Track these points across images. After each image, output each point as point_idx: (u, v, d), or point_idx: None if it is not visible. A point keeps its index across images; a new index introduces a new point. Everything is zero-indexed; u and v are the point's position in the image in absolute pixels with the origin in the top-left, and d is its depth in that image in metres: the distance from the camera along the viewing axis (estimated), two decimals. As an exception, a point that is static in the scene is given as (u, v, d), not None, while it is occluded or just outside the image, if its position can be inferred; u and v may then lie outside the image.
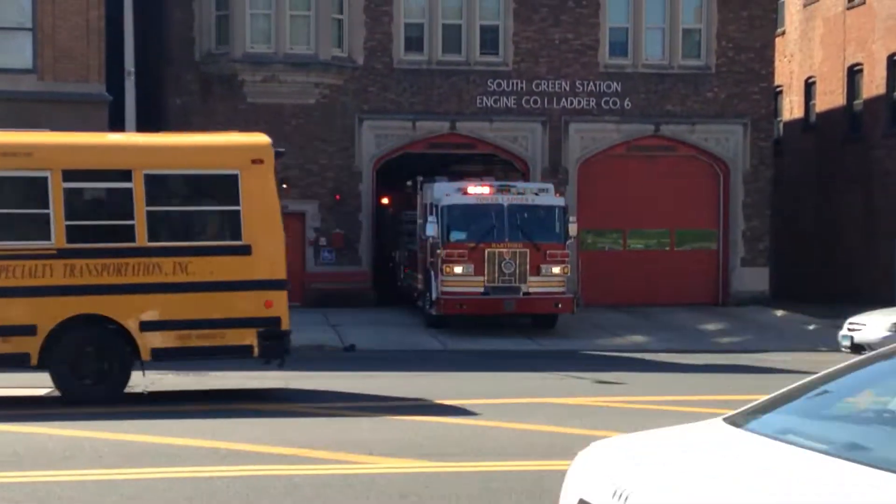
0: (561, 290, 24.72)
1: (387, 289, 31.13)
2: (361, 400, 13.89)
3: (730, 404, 13.58)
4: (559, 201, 25.74)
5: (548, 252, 24.73)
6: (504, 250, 24.59)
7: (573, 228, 25.22)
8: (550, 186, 26.70)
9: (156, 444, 10.40)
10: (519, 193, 25.26)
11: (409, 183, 31.39)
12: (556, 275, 24.78)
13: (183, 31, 30.07)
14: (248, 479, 8.88)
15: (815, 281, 36.09)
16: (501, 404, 13.71)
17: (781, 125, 38.85)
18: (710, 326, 27.86)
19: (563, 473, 9.13)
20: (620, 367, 19.55)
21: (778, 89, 37.50)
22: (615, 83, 31.56)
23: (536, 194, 25.50)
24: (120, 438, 10.72)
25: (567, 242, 25.31)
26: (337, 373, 17.71)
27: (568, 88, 31.34)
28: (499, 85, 31.14)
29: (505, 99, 31.14)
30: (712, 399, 14.34)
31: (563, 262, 24.98)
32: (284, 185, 30.48)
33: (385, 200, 32.92)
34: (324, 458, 9.77)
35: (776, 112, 37.24)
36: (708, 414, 12.64)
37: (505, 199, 25.05)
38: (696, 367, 19.71)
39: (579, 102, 31.40)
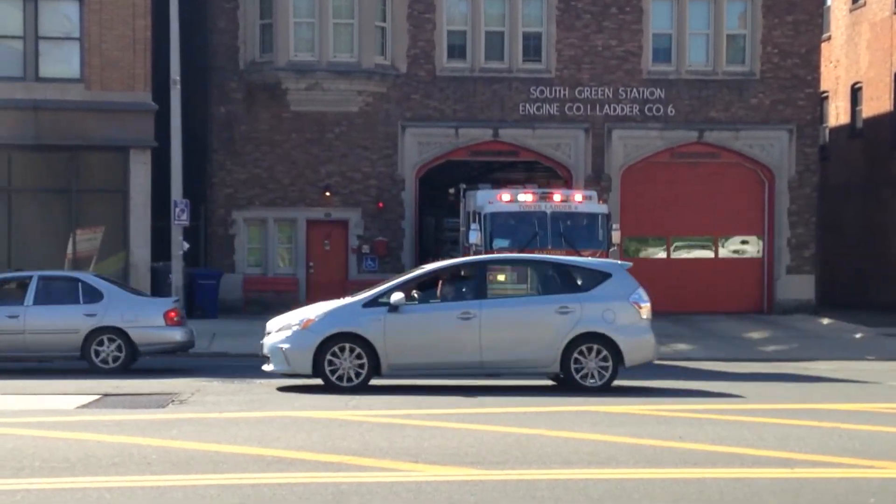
0: None
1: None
2: (405, 407, 13.93)
3: (770, 413, 13.54)
4: (602, 208, 25.60)
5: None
6: None
7: (616, 236, 25.04)
8: (594, 193, 26.57)
9: (202, 451, 10.50)
10: (562, 201, 25.15)
11: (451, 191, 31.43)
12: None
13: (227, 40, 30.34)
14: (295, 486, 8.94)
15: (861, 289, 35.73)
16: (544, 412, 13.70)
17: (827, 131, 38.52)
18: (755, 335, 27.67)
19: (606, 482, 9.19)
20: (664, 375, 19.45)
21: (824, 95, 37.19)
22: (658, 90, 31.47)
23: (580, 201, 25.39)
24: (167, 445, 10.83)
25: (610, 250, 25.14)
26: (377, 380, 17.76)
27: (611, 95, 31.29)
28: (541, 92, 31.14)
29: (548, 106, 31.13)
30: (753, 408, 14.26)
31: None
32: (327, 193, 30.75)
33: (430, 208, 32.94)
34: (370, 466, 9.82)
35: (822, 118, 36.93)
36: (749, 423, 12.59)
37: (548, 207, 24.94)
38: (741, 375, 19.57)
39: (622, 109, 31.33)
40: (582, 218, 25.17)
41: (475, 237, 24.61)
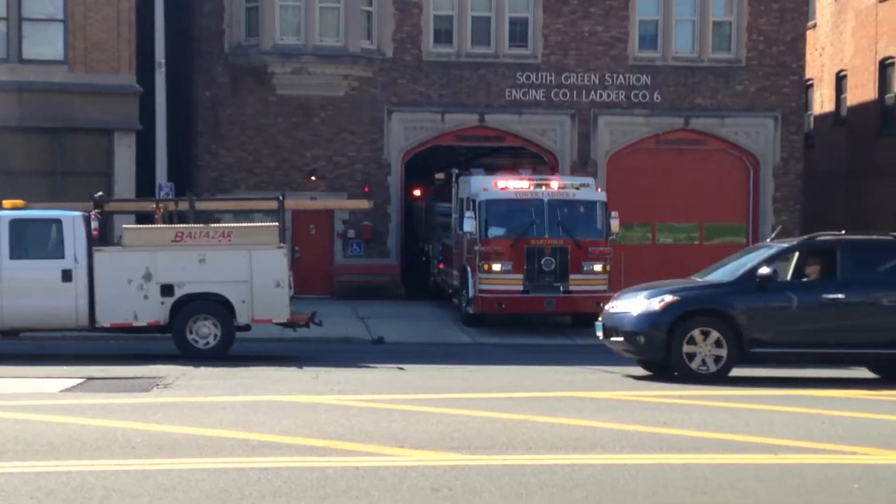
0: (603, 288, 23.94)
1: (416, 283, 31.09)
2: (392, 392, 13.92)
3: (755, 399, 13.56)
4: (601, 196, 25.04)
5: (589, 249, 24.12)
6: (544, 247, 24.05)
7: (615, 224, 24.53)
8: (591, 180, 26.17)
9: (187, 435, 10.46)
10: (560, 188, 24.70)
11: (439, 175, 31.27)
12: (597, 272, 24.16)
13: (213, 23, 30.18)
14: (281, 470, 8.91)
15: (845, 276, 35.80)
16: (531, 398, 13.71)
17: (812, 119, 38.60)
18: (739, 321, 27.67)
19: (592, 467, 9.19)
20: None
21: (809, 83, 37.25)
22: (645, 76, 31.45)
23: (577, 188, 24.81)
24: (151, 429, 10.79)
25: (609, 239, 24.78)
26: (366, 366, 17.75)
27: (597, 81, 31.26)
28: (528, 77, 31.08)
29: (534, 91, 31.09)
30: (737, 394, 14.29)
31: (604, 259, 24.35)
32: (313, 178, 30.64)
33: (417, 192, 32.83)
34: (356, 451, 9.80)
35: (807, 106, 37.00)
36: (733, 409, 12.61)
37: (545, 194, 24.40)
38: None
39: (608, 95, 31.31)
40: (580, 206, 24.74)
41: (470, 225, 24.12)
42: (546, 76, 31.16)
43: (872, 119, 35.57)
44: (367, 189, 30.58)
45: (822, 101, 38.68)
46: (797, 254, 16.41)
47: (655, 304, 15.73)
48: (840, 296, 15.73)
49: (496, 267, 24.00)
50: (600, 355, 18.84)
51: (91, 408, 12.22)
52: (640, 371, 16.83)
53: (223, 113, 30.32)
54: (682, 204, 31.72)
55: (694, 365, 15.64)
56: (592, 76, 31.28)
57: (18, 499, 7.92)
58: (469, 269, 24.71)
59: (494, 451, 9.87)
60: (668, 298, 15.73)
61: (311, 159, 30.66)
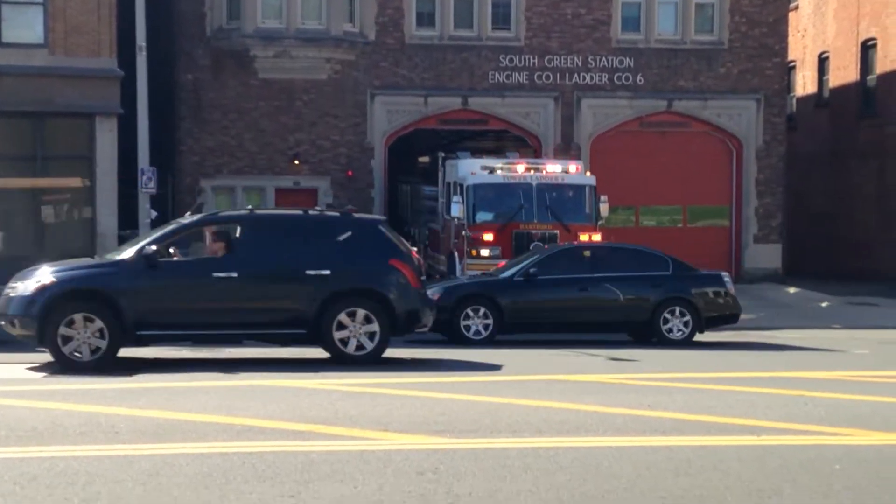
0: None
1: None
2: (375, 376, 13.93)
3: (738, 381, 13.64)
4: (590, 180, 24.87)
5: (578, 234, 24.05)
6: (533, 232, 23.95)
7: (604, 208, 24.45)
8: (580, 163, 26.12)
9: (171, 420, 10.46)
10: (549, 172, 24.55)
11: (423, 159, 31.14)
12: None
13: (194, 6, 30.04)
14: (265, 454, 8.92)
15: (828, 259, 36.03)
16: (515, 381, 13.74)
17: (794, 101, 38.70)
18: (723, 303, 27.79)
19: (576, 450, 9.22)
20: (633, 344, 19.56)
21: (791, 65, 37.33)
22: (628, 58, 31.46)
23: (566, 172, 24.80)
24: (135, 414, 10.77)
25: (598, 223, 24.65)
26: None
27: (580, 64, 31.26)
28: (511, 60, 31.06)
29: (517, 74, 31.07)
30: (721, 376, 14.36)
31: None
32: (296, 162, 30.59)
33: (401, 176, 32.74)
34: (340, 435, 9.81)
35: (789, 88, 37.08)
36: (717, 391, 12.67)
37: (534, 178, 24.25)
38: (706, 344, 19.71)
39: (592, 78, 31.32)
40: (569, 190, 24.65)
41: (457, 210, 23.93)
42: (529, 59, 31.14)
43: (854, 101, 35.68)
44: (350, 173, 30.55)
45: (805, 83, 38.76)
46: (204, 230, 15.75)
47: (32, 285, 14.45)
48: (233, 274, 14.90)
49: (484, 252, 23.90)
50: (583, 338, 18.83)
51: (74, 393, 12.19)
52: (624, 354, 16.86)
53: (205, 97, 30.19)
54: (665, 187, 31.78)
55: (67, 350, 14.27)
56: (575, 59, 31.27)
57: (2, 484, 7.91)
58: (456, 254, 24.63)
59: (479, 435, 9.90)
60: (47, 280, 14.43)
61: (294, 143, 30.58)
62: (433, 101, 30.98)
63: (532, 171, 24.44)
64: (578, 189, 24.65)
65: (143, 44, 24.15)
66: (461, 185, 24.42)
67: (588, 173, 25.76)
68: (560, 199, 24.44)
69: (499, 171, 24.38)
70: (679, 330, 19.57)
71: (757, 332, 22.73)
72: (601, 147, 31.50)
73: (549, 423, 10.53)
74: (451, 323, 19.00)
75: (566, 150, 30.91)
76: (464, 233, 24.05)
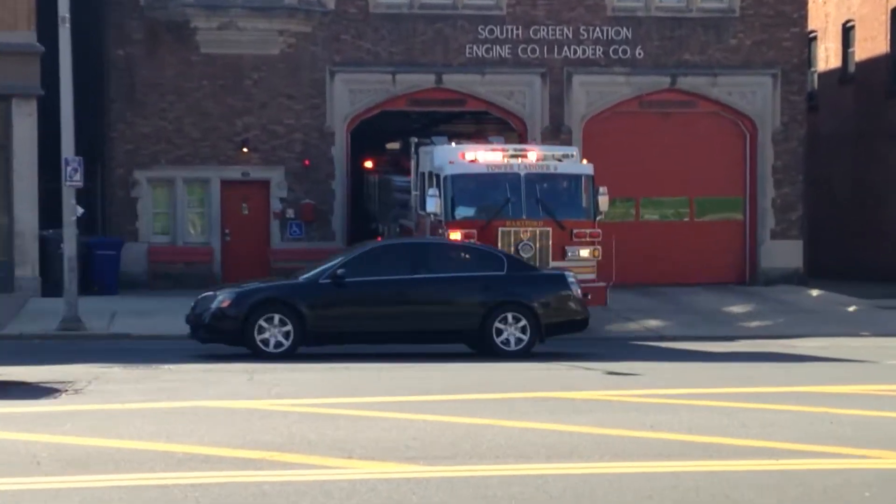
0: (590, 276, 23.44)
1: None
2: (337, 395, 13.93)
3: (752, 397, 13.70)
4: (586, 169, 24.48)
5: (574, 231, 23.71)
6: (521, 230, 23.66)
7: (604, 201, 24.00)
8: (575, 150, 25.89)
9: (101, 448, 10.43)
10: (539, 160, 24.23)
11: (392, 146, 30.96)
12: (584, 259, 23.61)
13: (125, -29, 29.93)
14: (210, 486, 8.91)
15: (854, 255, 36.23)
16: (500, 399, 13.76)
17: (815, 76, 38.91)
18: (736, 309, 27.99)
19: (567, 478, 9.24)
20: (634, 356, 19.65)
21: (812, 35, 37.53)
22: (625, 29, 31.56)
23: (559, 160, 24.30)
24: (60, 441, 10.74)
25: (597, 219, 24.36)
26: (307, 364, 17.74)
27: (571, 35, 31.34)
28: (491, 32, 31.10)
29: (498, 48, 31.12)
30: (733, 392, 14.43)
31: (592, 243, 23.86)
32: (245, 150, 30.55)
33: (368, 165, 32.68)
34: (296, 463, 9.81)
35: (809, 62, 37.28)
36: (728, 409, 12.73)
37: (521, 167, 23.86)
38: (718, 355, 19.82)
39: (584, 52, 31.40)
40: (562, 180, 24.35)
41: (433, 204, 23.53)
42: (512, 30, 31.18)
43: (883, 75, 35.92)
44: (307, 162, 30.52)
45: (827, 56, 39.00)
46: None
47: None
48: None
49: None
50: (577, 349, 18.89)
51: (-11, 418, 12.13)
52: (623, 367, 16.90)
53: (139, 75, 30.09)
54: (669, 176, 31.88)
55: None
56: (565, 30, 31.34)
57: None
58: None
59: (457, 462, 9.92)
60: None
61: (243, 128, 30.52)
62: (402, 79, 30.98)
63: (520, 160, 24.18)
64: (574, 179, 24.43)
65: (67, 14, 24.01)
66: (437, 176, 24.23)
67: (585, 161, 25.50)
68: (552, 192, 24.26)
69: (481, 160, 24.15)
70: (515, 339, 19.31)
71: (774, 340, 22.86)
72: (595, 130, 31.57)
73: (537, 448, 10.57)
74: (243, 333, 18.73)
75: (555, 133, 30.97)
76: (441, 231, 23.91)
